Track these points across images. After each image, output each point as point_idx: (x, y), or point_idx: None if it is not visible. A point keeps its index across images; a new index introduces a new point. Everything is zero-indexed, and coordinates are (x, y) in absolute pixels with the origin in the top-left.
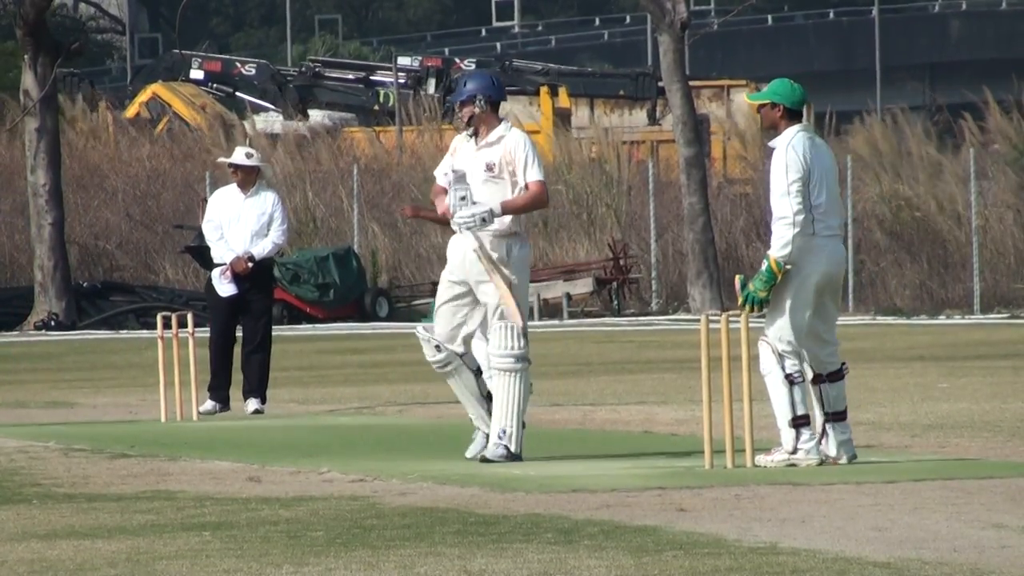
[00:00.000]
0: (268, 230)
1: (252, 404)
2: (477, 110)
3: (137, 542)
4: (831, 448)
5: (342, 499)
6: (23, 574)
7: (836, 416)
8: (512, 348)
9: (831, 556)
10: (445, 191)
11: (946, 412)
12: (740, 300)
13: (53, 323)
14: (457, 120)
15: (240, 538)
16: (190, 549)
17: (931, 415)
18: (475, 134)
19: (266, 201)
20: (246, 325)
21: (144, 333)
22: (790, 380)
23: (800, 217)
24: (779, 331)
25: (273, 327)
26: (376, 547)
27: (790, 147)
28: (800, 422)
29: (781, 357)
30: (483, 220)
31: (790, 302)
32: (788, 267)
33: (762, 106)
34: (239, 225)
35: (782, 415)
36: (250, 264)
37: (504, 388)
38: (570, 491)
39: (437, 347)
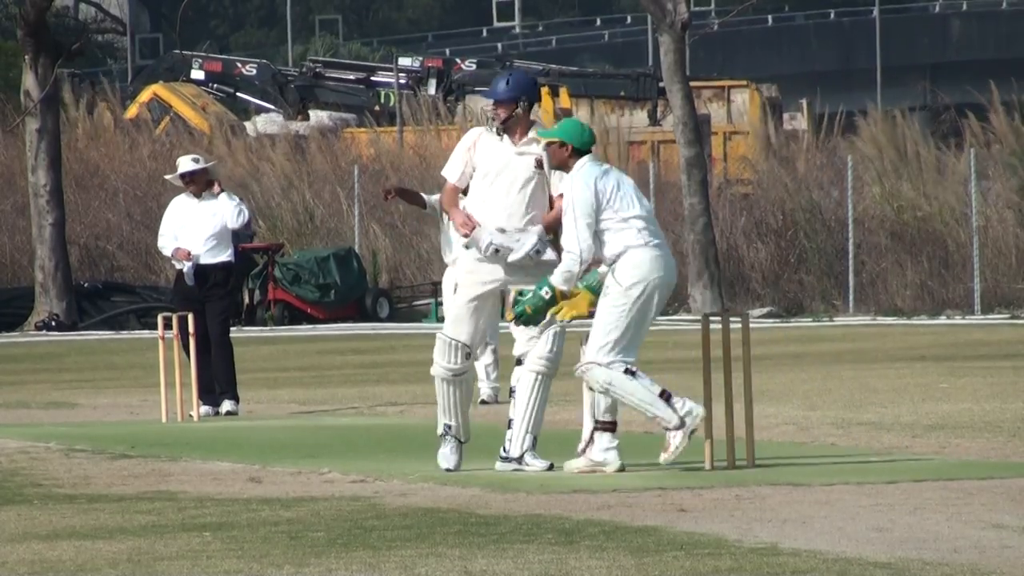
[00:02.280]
0: (222, 234)
1: (225, 405)
2: (519, 111)
3: (138, 543)
4: (595, 455)
5: (343, 500)
6: (24, 574)
7: (605, 425)
8: (555, 353)
9: (832, 557)
10: (457, 192)
11: (947, 412)
12: (510, 315)
13: (54, 323)
14: (492, 118)
15: (241, 539)
16: (191, 550)
17: (932, 415)
18: (505, 132)
19: (220, 203)
20: (208, 325)
21: (145, 334)
22: (630, 372)
23: (587, 254)
24: (607, 345)
25: (272, 327)
26: (377, 548)
27: (575, 180)
28: (667, 395)
29: (609, 366)
30: (538, 252)
31: (635, 315)
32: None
33: (550, 144)
34: (193, 229)
35: (653, 401)
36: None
37: (530, 390)
38: (571, 492)
39: (468, 354)
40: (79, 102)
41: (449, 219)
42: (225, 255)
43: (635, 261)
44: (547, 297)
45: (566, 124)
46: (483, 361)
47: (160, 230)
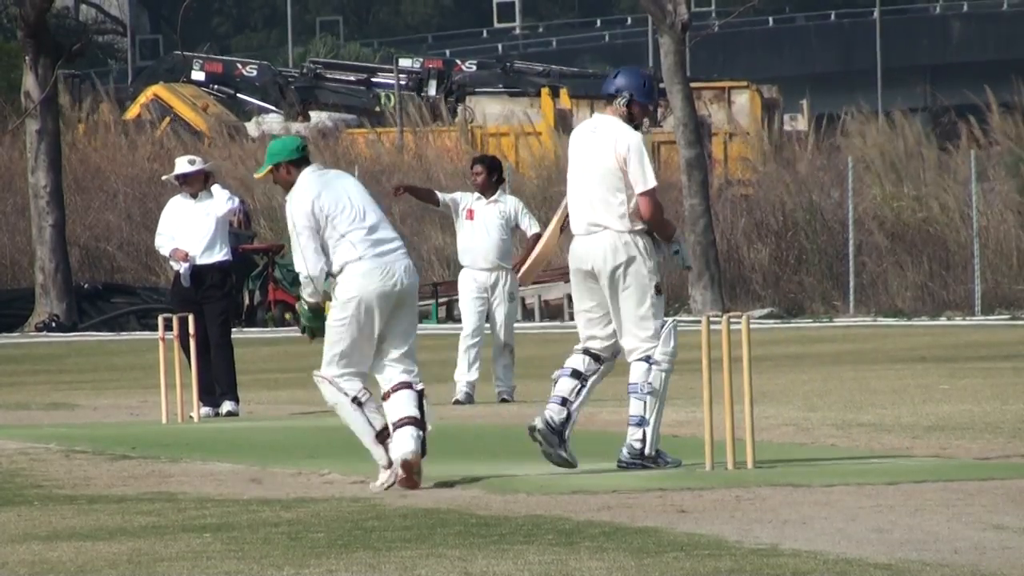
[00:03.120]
0: (219, 233)
1: (226, 406)
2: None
3: (138, 544)
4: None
5: (343, 500)
6: (24, 575)
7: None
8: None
9: (832, 558)
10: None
11: (947, 414)
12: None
13: (54, 324)
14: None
15: (241, 540)
16: (191, 551)
17: (932, 417)
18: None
19: (216, 201)
20: (208, 327)
21: (145, 335)
22: (357, 402)
23: (315, 271)
24: (333, 359)
25: (273, 328)
26: (377, 549)
27: (294, 201)
28: (384, 435)
29: (337, 381)
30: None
31: (354, 330)
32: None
33: (274, 175)
34: (190, 229)
35: (366, 437)
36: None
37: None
38: (571, 492)
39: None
40: (76, 104)
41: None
42: (222, 255)
43: (348, 276)
44: (307, 309)
45: (273, 146)
46: (500, 362)
47: (158, 229)
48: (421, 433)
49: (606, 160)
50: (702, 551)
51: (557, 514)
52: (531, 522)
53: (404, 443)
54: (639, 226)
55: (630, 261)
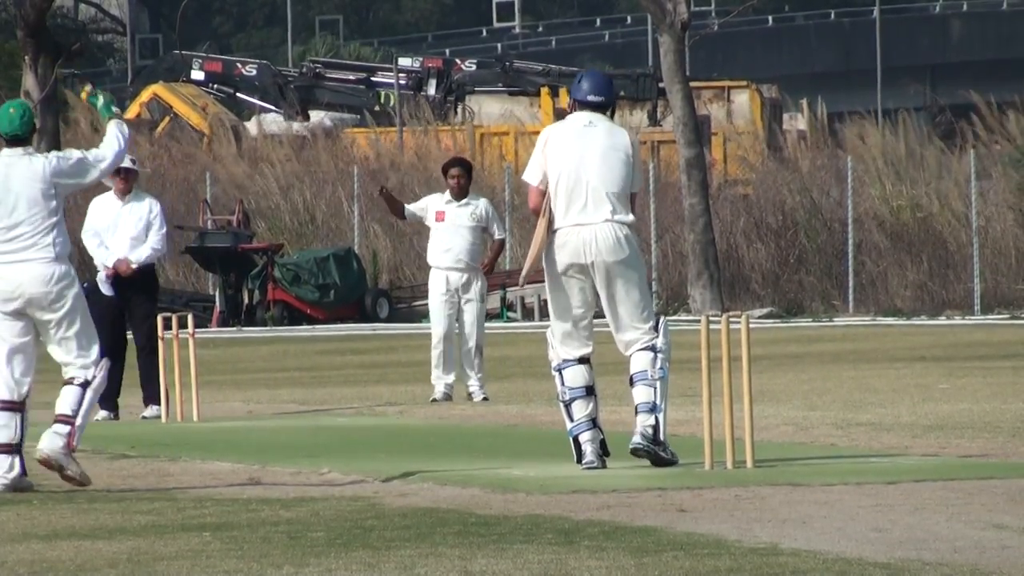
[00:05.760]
0: (147, 236)
1: (150, 410)
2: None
3: (138, 543)
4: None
5: (342, 500)
6: (24, 574)
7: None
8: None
9: (831, 557)
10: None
11: (947, 413)
12: None
13: None
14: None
15: (240, 539)
16: (190, 550)
17: (931, 416)
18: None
19: (144, 207)
20: (133, 331)
21: None
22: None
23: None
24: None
25: (272, 328)
26: (376, 548)
27: None
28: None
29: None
30: None
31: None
32: None
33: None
34: (118, 231)
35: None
36: (133, 267)
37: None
38: (570, 492)
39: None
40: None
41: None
42: (145, 257)
43: None
44: None
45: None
46: (471, 363)
47: (85, 226)
48: (67, 428)
49: (615, 154)
50: (701, 550)
51: (557, 514)
52: (531, 522)
53: (46, 438)
54: (631, 219)
55: (632, 254)
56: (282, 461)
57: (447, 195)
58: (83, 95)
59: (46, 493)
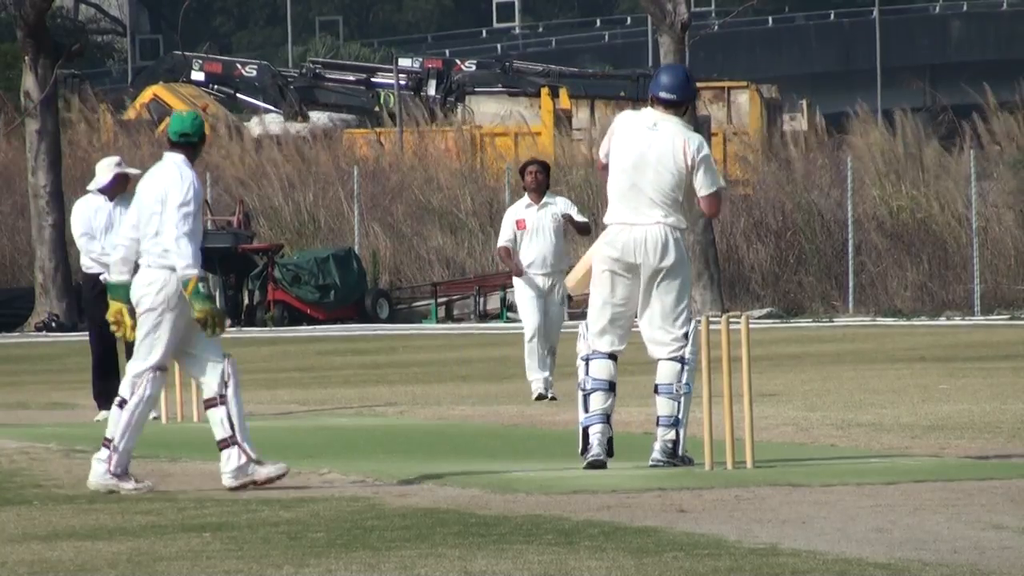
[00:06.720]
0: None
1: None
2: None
3: (138, 543)
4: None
5: (343, 500)
6: (24, 575)
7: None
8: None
9: (831, 557)
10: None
11: (946, 413)
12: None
13: (54, 324)
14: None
15: (240, 539)
16: (190, 550)
17: (931, 416)
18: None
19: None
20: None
21: None
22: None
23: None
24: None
25: (272, 328)
26: (377, 548)
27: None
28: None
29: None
30: None
31: None
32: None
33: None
34: (116, 231)
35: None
36: None
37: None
38: (570, 492)
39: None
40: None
41: None
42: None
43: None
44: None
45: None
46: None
47: (80, 231)
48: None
49: (671, 162)
50: (701, 551)
51: (557, 514)
52: (531, 522)
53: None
54: (684, 225)
55: (679, 258)
56: (282, 461)
57: (525, 198)
58: (188, 290)
59: (46, 493)
